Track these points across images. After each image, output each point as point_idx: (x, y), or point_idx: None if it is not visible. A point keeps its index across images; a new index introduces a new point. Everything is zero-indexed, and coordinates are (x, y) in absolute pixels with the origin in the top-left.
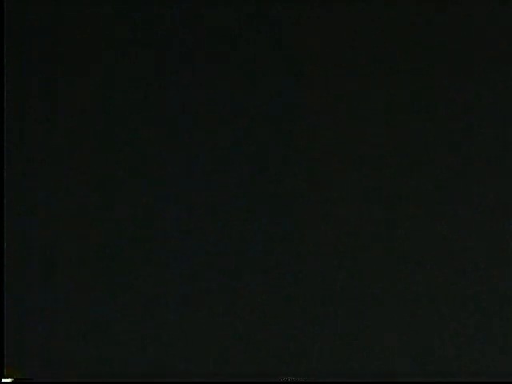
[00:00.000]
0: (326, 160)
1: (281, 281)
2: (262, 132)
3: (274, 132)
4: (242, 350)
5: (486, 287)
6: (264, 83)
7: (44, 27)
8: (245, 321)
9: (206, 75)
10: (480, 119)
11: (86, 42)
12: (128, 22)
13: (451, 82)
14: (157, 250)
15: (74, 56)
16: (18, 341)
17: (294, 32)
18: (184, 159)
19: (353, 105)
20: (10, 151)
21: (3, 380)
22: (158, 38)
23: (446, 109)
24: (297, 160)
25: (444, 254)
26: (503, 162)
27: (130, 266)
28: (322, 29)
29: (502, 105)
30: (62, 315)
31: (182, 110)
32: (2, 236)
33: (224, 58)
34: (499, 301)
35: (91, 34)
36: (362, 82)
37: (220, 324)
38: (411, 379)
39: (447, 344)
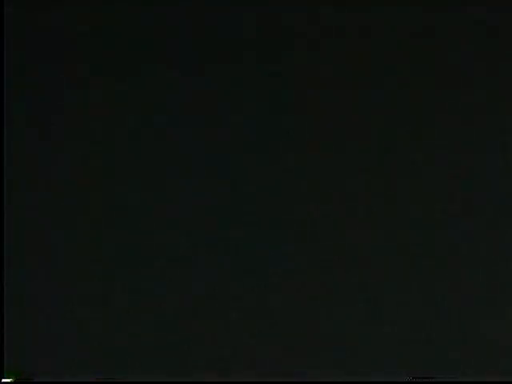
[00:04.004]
0: (326, 162)
1: (280, 281)
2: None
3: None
4: (241, 350)
5: (487, 289)
6: (264, 85)
7: (44, 29)
8: (244, 321)
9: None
10: (480, 121)
11: (86, 42)
12: (128, 24)
13: (452, 84)
14: (157, 250)
15: (74, 57)
16: (17, 341)
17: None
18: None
19: (353, 106)
20: (9, 151)
21: (3, 380)
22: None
23: (446, 111)
24: (298, 161)
25: (444, 255)
26: (503, 163)
27: (131, 266)
28: (323, 31)
29: (502, 106)
30: (61, 315)
31: (183, 111)
32: (2, 236)
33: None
34: (500, 302)
35: (92, 35)
36: (363, 84)
37: (219, 324)
38: (411, 379)
39: (448, 344)
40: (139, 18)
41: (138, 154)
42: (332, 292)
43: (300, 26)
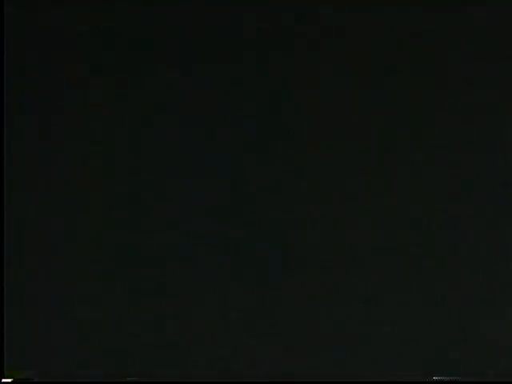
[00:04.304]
0: (326, 162)
1: (280, 281)
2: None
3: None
4: (241, 350)
5: (487, 289)
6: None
7: (44, 29)
8: (244, 321)
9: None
10: (480, 121)
11: (86, 42)
12: (128, 23)
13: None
14: (157, 250)
15: (74, 57)
16: (17, 341)
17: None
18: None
19: (353, 106)
20: (9, 151)
21: (3, 380)
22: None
23: (446, 111)
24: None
25: (444, 253)
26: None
27: (131, 266)
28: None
29: (502, 106)
30: (61, 315)
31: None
32: (2, 236)
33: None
34: (500, 301)
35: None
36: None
37: (219, 324)
38: (411, 379)
39: (448, 344)
40: (139, 18)
41: (137, 154)
42: (332, 292)
43: (300, 26)
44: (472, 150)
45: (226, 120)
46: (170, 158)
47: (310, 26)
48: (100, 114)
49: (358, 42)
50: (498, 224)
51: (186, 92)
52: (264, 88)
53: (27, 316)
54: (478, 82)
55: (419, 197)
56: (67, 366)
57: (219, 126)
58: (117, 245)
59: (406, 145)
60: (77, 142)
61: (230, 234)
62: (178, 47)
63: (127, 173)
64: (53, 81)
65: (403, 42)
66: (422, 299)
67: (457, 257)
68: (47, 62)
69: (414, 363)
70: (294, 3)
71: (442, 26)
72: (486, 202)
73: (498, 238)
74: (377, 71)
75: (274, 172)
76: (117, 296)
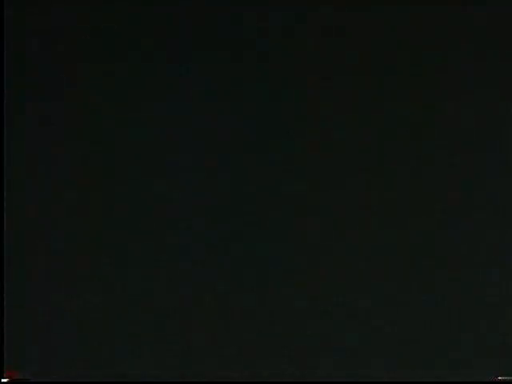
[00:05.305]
0: (326, 162)
1: (281, 281)
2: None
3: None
4: (241, 350)
5: (486, 289)
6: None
7: (44, 28)
8: (244, 321)
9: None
10: (480, 121)
11: (86, 41)
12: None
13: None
14: (157, 250)
15: (74, 57)
16: (17, 341)
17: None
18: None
19: (353, 106)
20: (10, 151)
21: (3, 380)
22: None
23: (446, 111)
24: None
25: (445, 254)
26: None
27: (131, 266)
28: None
29: (502, 106)
30: (61, 315)
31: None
32: (2, 236)
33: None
34: (501, 301)
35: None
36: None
37: (219, 324)
38: (411, 379)
39: (448, 344)
40: (139, 18)
41: (138, 154)
42: (332, 292)
43: (300, 26)
44: (472, 150)
45: (226, 120)
46: (170, 158)
47: (310, 25)
48: (100, 114)
49: (358, 42)
50: (498, 224)
51: (185, 92)
52: (264, 88)
53: (27, 316)
54: (477, 82)
55: (419, 197)
56: (67, 366)
57: (219, 126)
58: (117, 245)
59: (406, 145)
60: (77, 142)
61: (229, 234)
62: (178, 47)
63: (127, 173)
64: (53, 81)
65: (403, 42)
66: (421, 299)
67: (457, 257)
68: (47, 62)
69: (413, 363)
70: (294, 3)
71: (442, 25)
72: (485, 202)
73: (498, 238)
74: (377, 71)
75: (273, 172)
76: (117, 296)
